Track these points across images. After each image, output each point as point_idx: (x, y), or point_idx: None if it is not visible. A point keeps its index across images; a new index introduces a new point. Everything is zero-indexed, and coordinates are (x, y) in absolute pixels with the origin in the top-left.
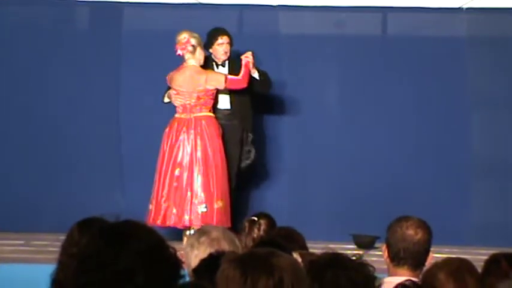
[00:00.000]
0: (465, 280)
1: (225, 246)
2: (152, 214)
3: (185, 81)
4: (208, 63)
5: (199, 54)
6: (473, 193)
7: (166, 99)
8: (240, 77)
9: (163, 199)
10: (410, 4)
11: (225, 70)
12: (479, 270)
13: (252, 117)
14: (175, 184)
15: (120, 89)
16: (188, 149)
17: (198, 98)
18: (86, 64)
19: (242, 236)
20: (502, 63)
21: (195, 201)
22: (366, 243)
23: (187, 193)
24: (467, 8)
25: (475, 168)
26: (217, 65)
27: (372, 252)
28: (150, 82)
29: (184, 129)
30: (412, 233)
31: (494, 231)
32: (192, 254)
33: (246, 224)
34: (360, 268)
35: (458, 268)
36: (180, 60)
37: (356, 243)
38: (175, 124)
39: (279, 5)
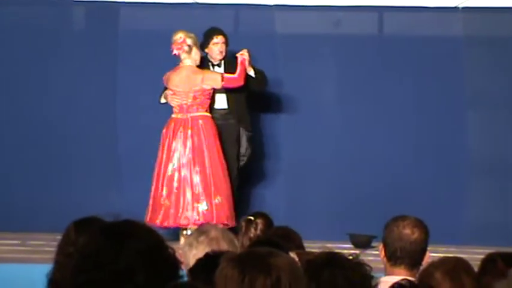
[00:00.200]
0: (461, 279)
1: (224, 246)
2: (149, 214)
3: (181, 81)
4: (204, 64)
5: (195, 54)
6: (469, 192)
7: (162, 100)
8: (236, 75)
9: (162, 198)
10: (406, 3)
11: (220, 70)
12: (476, 269)
13: (249, 116)
14: (175, 184)
15: (117, 88)
16: (185, 149)
17: (195, 98)
18: (83, 64)
19: (239, 236)
20: (499, 62)
21: (194, 200)
22: (363, 243)
23: (185, 193)
24: (463, 8)
25: (472, 167)
26: (213, 65)
27: (368, 251)
28: (146, 82)
29: (181, 129)
30: (409, 232)
31: (490, 231)
32: (190, 254)
33: (243, 224)
34: (357, 267)
35: (454, 267)
36: (177, 59)
37: (353, 243)
38: (172, 124)
39: (275, 5)
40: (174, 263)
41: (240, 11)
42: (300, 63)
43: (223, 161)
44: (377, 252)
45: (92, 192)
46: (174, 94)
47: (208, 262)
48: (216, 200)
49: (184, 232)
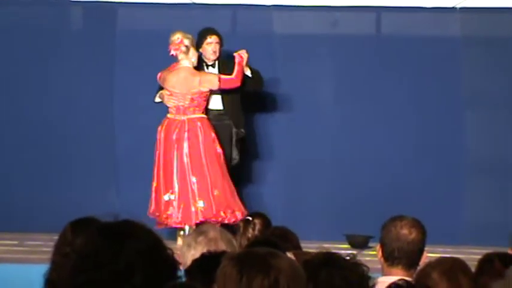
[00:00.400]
0: (459, 279)
1: (222, 247)
2: (153, 207)
3: (179, 83)
4: (198, 64)
5: (193, 55)
6: (467, 192)
7: (157, 99)
8: (233, 76)
9: (163, 199)
10: (404, 4)
11: (215, 70)
12: (473, 269)
13: (244, 116)
14: (175, 186)
15: (115, 88)
16: (182, 150)
17: (192, 100)
18: (81, 64)
19: (237, 236)
20: (497, 62)
21: (192, 201)
22: (360, 243)
23: (185, 194)
24: (461, 8)
25: (469, 167)
26: (207, 66)
27: (365, 252)
28: (144, 82)
29: (177, 130)
30: (406, 232)
31: (488, 231)
32: (188, 254)
33: (241, 224)
34: (354, 268)
35: (451, 267)
36: (174, 59)
37: (350, 243)
38: (168, 125)
39: (273, 5)
40: (173, 264)
41: (238, 11)
42: (298, 63)
43: (222, 161)
44: (374, 253)
45: (90, 192)
46: (170, 95)
47: (205, 262)
48: (215, 193)
49: (182, 232)
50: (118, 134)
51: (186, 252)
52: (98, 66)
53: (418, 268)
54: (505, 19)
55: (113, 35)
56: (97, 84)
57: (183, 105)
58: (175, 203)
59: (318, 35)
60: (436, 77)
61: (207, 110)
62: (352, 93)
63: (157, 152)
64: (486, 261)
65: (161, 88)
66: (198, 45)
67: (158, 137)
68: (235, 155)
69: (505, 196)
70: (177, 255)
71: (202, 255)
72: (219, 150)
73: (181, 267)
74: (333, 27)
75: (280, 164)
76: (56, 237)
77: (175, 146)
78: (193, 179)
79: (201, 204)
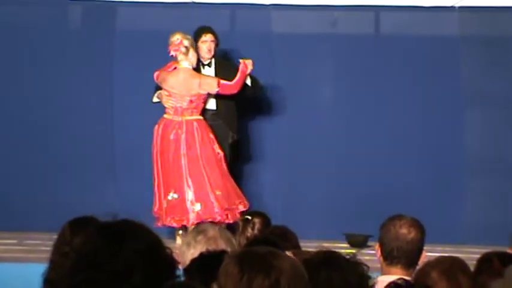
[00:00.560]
0: (458, 279)
1: (222, 245)
2: (156, 206)
3: (178, 84)
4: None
5: (192, 56)
6: (466, 192)
7: (155, 99)
8: (232, 82)
9: (163, 200)
10: (403, 3)
11: (211, 70)
12: (472, 269)
13: (237, 118)
14: (173, 187)
15: (113, 88)
16: (180, 151)
17: (191, 101)
18: (79, 63)
19: (236, 235)
20: (495, 61)
21: (189, 201)
22: (359, 242)
23: (183, 195)
24: (460, 7)
25: (468, 167)
26: (203, 65)
27: (364, 251)
28: (143, 81)
29: (174, 131)
30: (405, 231)
31: (487, 230)
32: (188, 253)
33: (240, 223)
34: (354, 267)
35: (451, 267)
36: (172, 59)
37: (349, 242)
38: (166, 125)
39: (271, 4)
40: (172, 263)
41: (237, 10)
42: (297, 62)
43: (221, 161)
44: (373, 252)
45: (89, 192)
46: (169, 96)
47: (204, 262)
48: (217, 192)
49: (180, 231)
50: (117, 134)
51: (186, 251)
52: (96, 65)
53: (417, 267)
54: (504, 18)
55: (112, 34)
56: (96, 83)
57: (181, 107)
58: (177, 204)
59: (316, 34)
60: (435, 76)
61: (203, 111)
62: (351, 92)
63: (155, 151)
64: (485, 261)
65: (159, 88)
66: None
67: (155, 136)
68: (230, 156)
69: (505, 196)
70: (176, 255)
71: (201, 255)
72: (218, 150)
73: (181, 267)
74: (332, 27)
75: (279, 164)
76: (55, 237)
77: (173, 146)
78: (190, 181)
79: (197, 207)
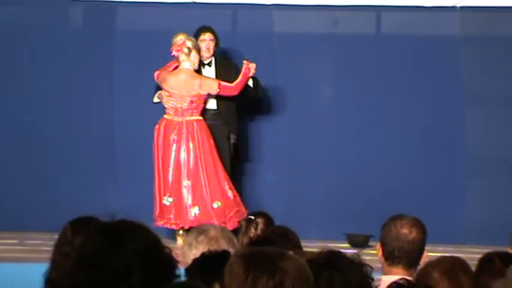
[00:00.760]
0: (459, 279)
1: (224, 245)
2: (158, 210)
3: (179, 84)
4: None
5: (194, 57)
6: (467, 192)
7: (156, 100)
8: (233, 84)
9: (163, 200)
10: (404, 3)
11: (211, 69)
12: (473, 269)
13: (237, 118)
14: (172, 187)
15: (113, 88)
16: (180, 152)
17: (191, 102)
18: (79, 63)
19: (239, 235)
20: (496, 61)
21: (188, 204)
22: (360, 242)
23: (181, 196)
24: (461, 7)
25: (469, 166)
26: (203, 65)
27: (365, 251)
28: (143, 81)
29: (175, 131)
30: (407, 231)
31: (488, 230)
32: (190, 254)
33: (243, 223)
34: (357, 269)
35: (452, 267)
36: (172, 58)
37: (350, 243)
38: (166, 126)
39: (273, 4)
40: (171, 262)
41: (238, 10)
42: (298, 62)
43: (219, 163)
44: (374, 252)
45: (89, 192)
46: (169, 96)
47: (205, 262)
48: (215, 205)
49: (181, 232)
50: (117, 134)
51: (188, 251)
52: (97, 65)
53: (419, 267)
54: (505, 18)
55: (112, 34)
56: (96, 83)
57: (181, 107)
58: (172, 207)
59: (318, 34)
60: (436, 76)
61: (204, 110)
62: (352, 92)
63: (156, 152)
64: (486, 261)
65: (159, 88)
66: None
67: (156, 136)
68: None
69: (505, 195)
70: (175, 254)
71: (203, 254)
72: (216, 155)
73: (182, 267)
74: (334, 27)
75: (279, 164)
76: (55, 237)
77: (174, 147)
78: (187, 183)
79: (196, 210)
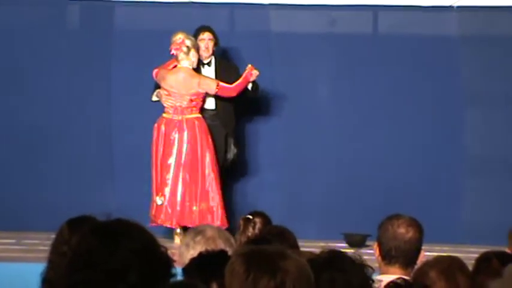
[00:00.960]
0: (456, 278)
1: (221, 245)
2: (153, 211)
3: (178, 83)
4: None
5: (193, 56)
6: (465, 191)
7: (154, 98)
8: (232, 86)
9: (161, 199)
10: (401, 2)
11: (211, 69)
12: (470, 268)
13: (235, 118)
14: (170, 187)
15: (111, 88)
16: (181, 150)
17: (191, 100)
18: (77, 63)
19: (237, 235)
20: (494, 61)
21: (187, 202)
22: (357, 242)
23: (178, 194)
24: (458, 6)
25: (466, 166)
26: (203, 64)
27: (362, 250)
28: (141, 81)
29: (176, 130)
30: (403, 231)
31: (485, 230)
32: (188, 254)
33: (241, 223)
34: (358, 270)
35: (449, 266)
36: (171, 57)
37: (347, 242)
38: (166, 125)
39: (270, 4)
40: (167, 262)
41: (235, 10)
42: (296, 62)
43: (216, 165)
44: (371, 251)
45: (87, 192)
46: (168, 95)
47: (203, 261)
48: (202, 206)
49: (178, 231)
50: (115, 134)
51: (185, 252)
52: (95, 65)
53: (416, 267)
54: (503, 17)
55: (110, 33)
56: (94, 83)
57: (180, 106)
58: (168, 206)
59: (315, 33)
60: (433, 76)
61: (202, 110)
62: (350, 92)
63: (154, 151)
64: (484, 260)
65: (158, 86)
66: None
67: (155, 134)
68: (230, 157)
69: (504, 195)
70: (172, 253)
71: (200, 254)
72: (214, 157)
73: (180, 267)
74: (331, 26)
75: (278, 164)
76: (53, 236)
77: (175, 145)
78: (187, 181)
79: (195, 208)
